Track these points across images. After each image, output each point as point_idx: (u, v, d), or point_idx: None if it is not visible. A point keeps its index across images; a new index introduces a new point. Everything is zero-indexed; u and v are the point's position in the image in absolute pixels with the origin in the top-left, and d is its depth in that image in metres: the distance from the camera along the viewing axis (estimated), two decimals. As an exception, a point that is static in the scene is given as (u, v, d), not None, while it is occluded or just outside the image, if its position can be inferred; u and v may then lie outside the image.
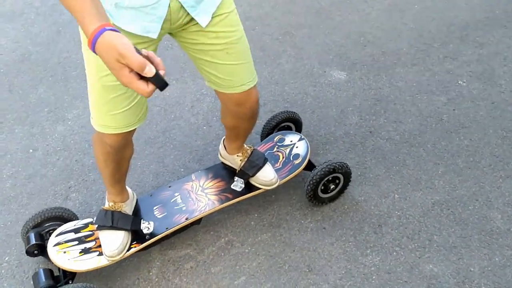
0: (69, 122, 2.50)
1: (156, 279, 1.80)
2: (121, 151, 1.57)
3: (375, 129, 2.36)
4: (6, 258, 1.88)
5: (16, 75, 2.83)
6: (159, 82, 0.92)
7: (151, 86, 0.93)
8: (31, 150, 2.35)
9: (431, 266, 1.79)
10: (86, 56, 1.34)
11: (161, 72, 0.93)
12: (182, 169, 2.23)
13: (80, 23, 0.98)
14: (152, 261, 1.85)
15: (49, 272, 1.65)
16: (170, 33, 1.43)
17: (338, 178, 1.94)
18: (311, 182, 1.87)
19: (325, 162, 1.88)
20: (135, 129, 1.51)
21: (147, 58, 0.93)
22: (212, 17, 1.37)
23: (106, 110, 1.41)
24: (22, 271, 1.83)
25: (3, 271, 1.84)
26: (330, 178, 1.91)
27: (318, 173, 1.86)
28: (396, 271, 1.78)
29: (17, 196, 2.12)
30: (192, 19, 1.36)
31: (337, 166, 1.87)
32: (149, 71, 0.91)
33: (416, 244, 1.86)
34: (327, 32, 3.03)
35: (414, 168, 2.16)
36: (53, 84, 2.74)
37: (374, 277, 1.76)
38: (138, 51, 0.92)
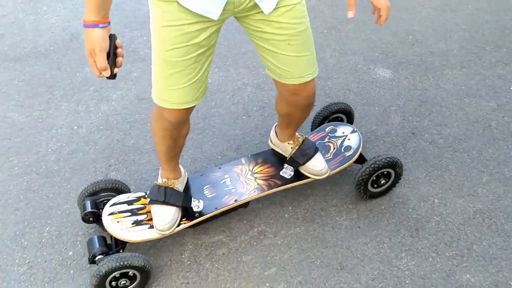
0: (113, 103, 2.55)
1: (188, 262, 1.82)
2: (179, 128, 1.61)
3: (418, 131, 2.30)
4: (47, 228, 1.94)
5: (65, 53, 2.91)
6: (110, 78, 1.30)
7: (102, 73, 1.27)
8: (75, 127, 2.41)
9: (468, 276, 1.73)
10: (153, 31, 1.38)
11: (115, 70, 1.29)
12: (219, 157, 2.24)
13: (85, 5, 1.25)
14: (185, 244, 1.87)
15: (103, 239, 1.72)
16: (235, 17, 1.44)
17: (390, 174, 1.91)
18: (365, 172, 1.85)
19: (380, 155, 1.87)
20: (193, 107, 1.54)
21: (115, 54, 1.28)
22: (277, 7, 1.37)
23: (166, 84, 1.45)
24: (61, 241, 1.89)
25: (43, 240, 1.90)
26: (385, 173, 1.89)
27: (373, 165, 1.84)
28: (431, 277, 1.73)
29: (60, 170, 2.19)
30: (256, 5, 1.36)
31: (394, 161, 1.86)
32: (106, 74, 1.27)
33: (453, 252, 1.81)
34: (374, 28, 2.97)
35: (457, 174, 2.09)
36: (100, 64, 2.80)
37: (407, 281, 1.73)
38: (114, 45, 1.28)
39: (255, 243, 1.88)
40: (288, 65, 1.49)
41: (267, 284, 1.75)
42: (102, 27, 1.25)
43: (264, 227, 1.93)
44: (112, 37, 1.30)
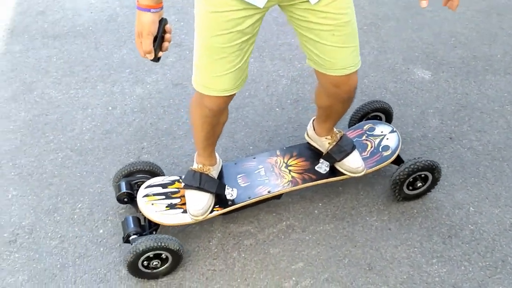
0: (148, 86, 2.56)
1: (215, 250, 1.82)
2: (218, 115, 1.61)
3: (456, 136, 2.24)
4: (79, 205, 1.97)
5: (103, 34, 2.93)
6: (154, 61, 1.33)
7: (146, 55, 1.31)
8: (110, 108, 2.44)
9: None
10: (198, 17, 1.38)
11: (160, 54, 1.32)
12: (251, 147, 2.23)
13: None
14: (213, 232, 1.88)
15: (137, 220, 1.74)
16: (279, 6, 1.42)
17: (427, 178, 1.88)
18: (404, 172, 1.82)
19: (421, 157, 1.84)
20: (233, 95, 1.54)
21: (163, 37, 1.31)
22: None
23: (209, 70, 1.45)
24: (92, 219, 1.92)
25: (75, 217, 1.93)
26: (423, 175, 1.85)
27: (412, 166, 1.81)
28: (462, 286, 1.70)
29: (94, 149, 2.21)
30: None
31: (434, 165, 1.83)
32: (149, 57, 1.30)
33: (487, 263, 1.76)
34: (416, 27, 2.90)
35: (494, 183, 2.04)
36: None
37: (437, 288, 1.69)
38: (163, 30, 1.30)
39: (283, 237, 1.87)
40: (331, 56, 1.47)
41: (293, 279, 1.74)
42: (153, 12, 1.26)
43: (293, 221, 1.92)
44: (162, 21, 1.31)
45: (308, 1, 1.35)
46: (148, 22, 1.26)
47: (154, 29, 1.28)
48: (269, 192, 1.81)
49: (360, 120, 2.11)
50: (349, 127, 2.14)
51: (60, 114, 2.39)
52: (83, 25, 3.00)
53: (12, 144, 2.23)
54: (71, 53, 2.77)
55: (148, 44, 1.28)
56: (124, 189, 1.78)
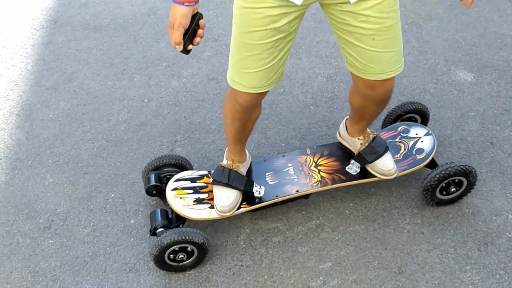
0: (183, 80, 2.58)
1: (244, 245, 1.82)
2: (249, 111, 1.60)
3: (497, 141, 2.16)
4: (112, 195, 2.01)
5: (142, 27, 2.98)
6: (183, 52, 1.33)
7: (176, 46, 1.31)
8: (146, 100, 2.47)
9: (538, 300, 1.62)
10: (234, 12, 1.38)
11: (190, 46, 1.32)
12: (283, 144, 2.21)
13: None
14: (242, 227, 1.88)
15: (165, 213, 1.76)
16: (320, 4, 1.40)
17: (462, 183, 1.82)
18: (435, 178, 1.76)
19: (454, 162, 1.78)
20: (265, 92, 1.52)
21: (196, 31, 1.32)
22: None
23: (239, 66, 1.45)
24: (124, 209, 1.96)
25: (108, 206, 1.97)
26: (457, 180, 1.79)
27: (444, 171, 1.75)
28: (497, 296, 1.63)
29: (129, 140, 2.25)
30: None
31: (468, 169, 1.76)
32: (178, 48, 1.30)
33: (525, 273, 1.69)
34: (459, 28, 2.81)
35: (536, 190, 1.95)
36: (174, 40, 2.84)
37: (470, 297, 1.64)
38: (197, 24, 1.31)
39: (312, 235, 1.85)
40: (370, 60, 1.43)
41: (321, 278, 1.72)
42: (187, 5, 1.27)
43: (322, 221, 1.90)
44: (196, 15, 1.31)
45: (348, 3, 1.31)
46: (180, 15, 1.26)
47: (186, 22, 1.28)
48: (297, 191, 1.79)
49: (394, 121, 2.06)
50: (382, 127, 2.09)
51: (97, 105, 2.44)
52: (123, 18, 3.05)
53: (51, 132, 2.30)
54: (111, 45, 2.83)
55: (178, 35, 1.28)
56: (153, 182, 1.80)
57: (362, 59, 1.43)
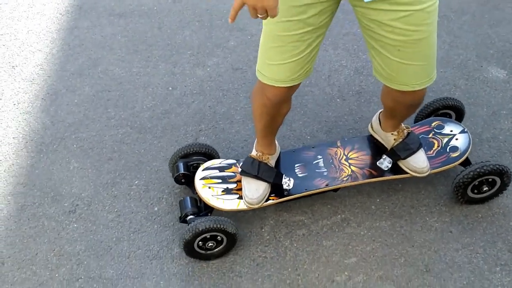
0: (208, 69, 2.56)
1: (268, 237, 1.80)
2: (277, 106, 1.57)
3: (530, 140, 2.10)
4: (136, 182, 2.01)
5: (167, 14, 2.96)
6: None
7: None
8: (170, 88, 2.46)
9: None
10: None
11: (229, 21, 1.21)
12: (308, 137, 2.18)
13: None
14: (266, 219, 1.86)
15: (195, 201, 1.75)
16: (351, 4, 1.35)
17: (495, 182, 1.77)
18: (468, 176, 1.72)
19: (489, 161, 1.74)
20: (293, 86, 1.48)
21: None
22: (394, 10, 1.24)
23: (265, 57, 1.43)
24: (148, 196, 1.95)
25: (131, 193, 1.97)
26: (490, 180, 1.75)
27: (478, 169, 1.71)
28: (528, 299, 1.59)
29: (153, 128, 2.24)
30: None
31: (503, 169, 1.72)
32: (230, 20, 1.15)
33: (558, 277, 1.64)
34: (493, 23, 2.73)
35: None
36: (199, 29, 2.82)
37: (500, 298, 1.60)
38: None
39: (337, 230, 1.82)
40: (393, 70, 1.39)
41: (346, 273, 1.69)
42: None
43: (348, 215, 1.87)
44: None
45: (377, 9, 1.26)
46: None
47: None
48: (327, 185, 1.76)
49: (428, 116, 2.00)
50: (415, 121, 2.04)
51: (122, 91, 2.44)
52: (148, 5, 3.03)
53: (76, 117, 2.30)
54: (135, 32, 2.82)
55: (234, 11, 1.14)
56: (182, 170, 1.79)
57: (386, 67, 1.40)
